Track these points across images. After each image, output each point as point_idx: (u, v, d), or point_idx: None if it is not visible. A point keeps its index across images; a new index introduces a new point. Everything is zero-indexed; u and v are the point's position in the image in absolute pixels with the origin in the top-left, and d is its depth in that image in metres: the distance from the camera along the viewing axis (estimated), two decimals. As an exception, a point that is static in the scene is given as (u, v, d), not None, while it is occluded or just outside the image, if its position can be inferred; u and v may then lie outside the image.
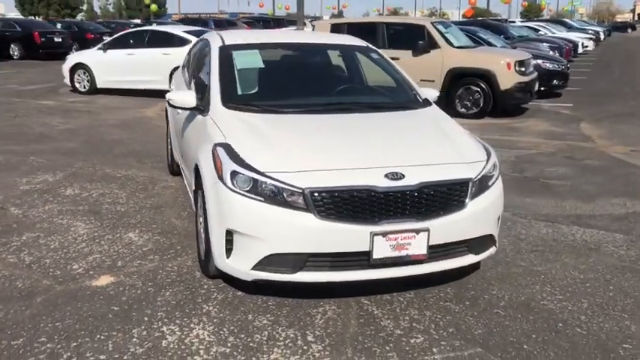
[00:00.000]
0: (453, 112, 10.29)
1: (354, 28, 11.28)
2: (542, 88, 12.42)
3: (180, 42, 12.56)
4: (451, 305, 3.47)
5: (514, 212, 5.22)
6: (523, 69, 10.23)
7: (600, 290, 3.71)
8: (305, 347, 3.00)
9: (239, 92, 4.17)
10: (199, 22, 31.79)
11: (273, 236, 3.15)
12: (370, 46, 5.02)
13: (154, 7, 44.41)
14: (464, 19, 42.50)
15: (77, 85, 13.33)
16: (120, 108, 11.39)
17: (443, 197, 3.30)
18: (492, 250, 3.65)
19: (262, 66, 4.47)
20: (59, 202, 5.35)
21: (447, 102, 10.42)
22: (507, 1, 40.43)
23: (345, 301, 3.47)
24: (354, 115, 4.03)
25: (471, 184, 3.38)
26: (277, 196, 3.14)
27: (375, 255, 3.15)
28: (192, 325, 3.20)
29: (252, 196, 3.17)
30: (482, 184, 3.48)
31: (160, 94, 8.52)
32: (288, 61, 4.82)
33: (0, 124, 9.33)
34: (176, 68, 7.98)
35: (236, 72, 4.33)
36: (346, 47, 5.04)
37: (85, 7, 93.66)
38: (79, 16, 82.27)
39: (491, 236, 3.57)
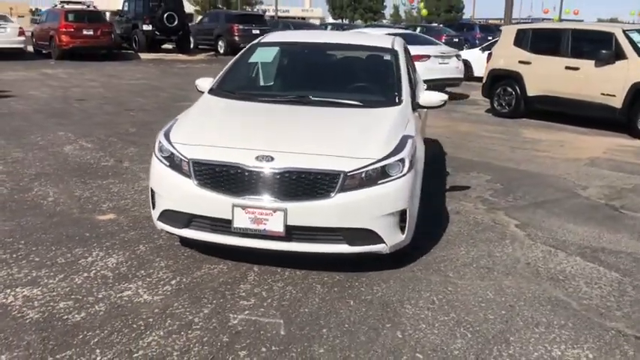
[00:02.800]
0: (634, 133, 9.14)
1: (539, 35, 10.74)
2: None
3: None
4: (318, 288, 3.71)
5: (530, 232, 4.88)
6: None
7: (485, 312, 3.49)
8: (160, 286, 3.66)
9: (234, 81, 4.89)
10: (466, 27, 32.17)
11: (168, 195, 3.87)
12: (394, 47, 5.15)
13: (424, 12, 45.96)
14: None
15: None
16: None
17: (307, 184, 3.57)
18: (379, 247, 3.73)
19: (270, 61, 5.10)
20: (160, 163, 6.73)
21: (627, 121, 9.28)
22: None
23: (240, 265, 3.98)
24: (311, 108, 4.41)
25: (342, 176, 3.57)
26: (178, 164, 3.84)
27: (235, 224, 3.63)
28: (113, 255, 4.11)
29: (164, 161, 3.92)
30: (364, 179, 3.62)
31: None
32: (299, 58, 5.31)
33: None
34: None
35: (246, 65, 5.06)
36: (365, 48, 5.30)
37: (391, 12, 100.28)
38: (385, 20, 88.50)
39: (371, 231, 3.66)
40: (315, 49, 5.37)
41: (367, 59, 5.27)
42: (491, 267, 4.17)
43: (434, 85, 13.22)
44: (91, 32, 20.22)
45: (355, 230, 3.66)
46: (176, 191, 3.82)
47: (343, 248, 3.69)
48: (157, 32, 22.26)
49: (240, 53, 5.21)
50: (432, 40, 14.58)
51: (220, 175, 3.67)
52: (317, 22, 65.16)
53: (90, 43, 20.32)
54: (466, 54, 17.30)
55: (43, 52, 21.50)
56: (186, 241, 4.22)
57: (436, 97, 4.77)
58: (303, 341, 3.10)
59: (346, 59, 5.29)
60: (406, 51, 5.64)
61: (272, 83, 5.04)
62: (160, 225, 3.97)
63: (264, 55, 5.18)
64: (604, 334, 3.29)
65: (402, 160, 3.78)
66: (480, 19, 67.30)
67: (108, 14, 27.57)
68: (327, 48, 5.37)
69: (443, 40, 24.12)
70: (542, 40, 10.57)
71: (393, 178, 3.71)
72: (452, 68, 13.38)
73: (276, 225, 3.58)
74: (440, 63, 13.11)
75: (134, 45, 23.00)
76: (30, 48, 22.09)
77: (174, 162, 3.86)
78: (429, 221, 4.99)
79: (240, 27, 23.64)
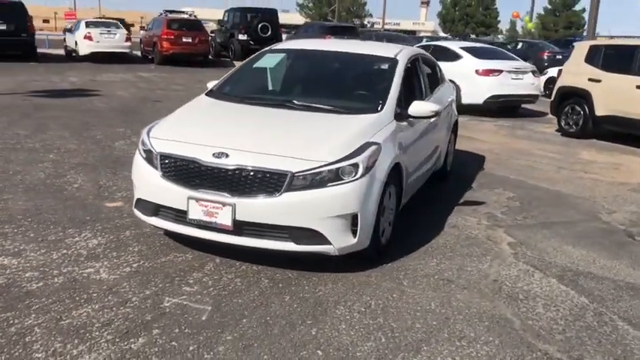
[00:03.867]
0: None
1: (611, 51, 10.16)
2: None
3: (454, 57, 13.20)
4: (265, 282, 3.86)
5: (518, 251, 4.73)
6: None
7: (415, 321, 3.47)
8: (121, 267, 3.97)
9: (233, 84, 5.15)
10: (572, 44, 30.58)
11: (141, 185, 4.19)
12: (396, 58, 5.14)
13: (530, 25, 44.24)
14: None
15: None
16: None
17: (256, 181, 3.74)
18: (325, 248, 3.81)
19: (273, 67, 5.31)
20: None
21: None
22: None
23: (205, 255, 4.21)
24: (290, 112, 4.53)
25: (289, 176, 3.70)
26: (150, 157, 4.14)
27: (190, 215, 3.86)
28: (97, 236, 4.50)
29: (142, 154, 4.25)
30: (314, 181, 3.73)
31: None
32: (299, 64, 5.46)
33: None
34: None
35: (250, 70, 5.32)
36: (365, 57, 5.36)
37: (507, 27, 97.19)
38: (501, 36, 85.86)
39: (316, 232, 3.75)
40: (317, 56, 5.51)
41: (364, 67, 5.31)
42: (453, 280, 4.10)
43: (505, 100, 12.90)
44: (190, 40, 21.50)
45: (301, 229, 3.76)
46: (146, 182, 4.12)
47: (289, 246, 3.80)
48: (251, 42, 23.26)
49: (248, 59, 5.47)
50: (509, 55, 14.12)
51: (180, 168, 3.93)
52: (427, 34, 64.44)
53: (188, 50, 21.61)
54: (553, 70, 16.55)
55: (149, 57, 23.15)
56: (169, 231, 4.51)
57: (426, 108, 4.76)
58: (216, 327, 3.26)
59: (343, 67, 5.36)
60: (418, 61, 5.65)
61: (266, 88, 5.26)
62: (136, 213, 4.30)
63: (269, 61, 5.41)
64: (527, 354, 3.18)
65: (355, 165, 3.83)
66: (604, 37, 63.24)
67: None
68: (328, 55, 5.50)
69: (545, 57, 23.25)
70: (614, 57, 9.98)
71: (344, 181, 3.78)
72: (526, 84, 12.92)
73: (225, 219, 3.78)
74: (513, 78, 12.73)
75: (230, 53, 24.16)
76: (136, 52, 23.88)
77: (150, 155, 4.16)
78: (419, 231, 4.99)
79: (332, 37, 24.07)
